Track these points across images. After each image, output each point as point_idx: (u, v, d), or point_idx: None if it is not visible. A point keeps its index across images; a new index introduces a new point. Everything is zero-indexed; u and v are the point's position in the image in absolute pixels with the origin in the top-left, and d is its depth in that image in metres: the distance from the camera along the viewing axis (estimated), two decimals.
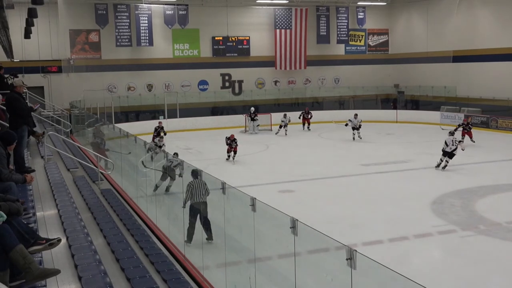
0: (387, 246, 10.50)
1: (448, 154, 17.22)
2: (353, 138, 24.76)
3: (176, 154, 14.76)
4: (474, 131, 22.60)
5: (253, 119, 28.51)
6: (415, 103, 35.31)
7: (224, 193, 7.71)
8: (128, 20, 31.00)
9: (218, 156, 21.10)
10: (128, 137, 12.28)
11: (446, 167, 17.18)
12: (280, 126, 27.65)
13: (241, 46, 34.04)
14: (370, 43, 37.93)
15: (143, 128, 26.42)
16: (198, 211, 9.13)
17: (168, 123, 29.55)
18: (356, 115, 25.08)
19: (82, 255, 5.89)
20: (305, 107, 30.37)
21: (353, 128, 24.89)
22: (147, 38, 31.40)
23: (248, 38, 34.15)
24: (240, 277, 7.37)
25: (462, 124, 23.11)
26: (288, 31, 34.62)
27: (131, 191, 11.28)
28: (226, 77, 34.46)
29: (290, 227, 6.61)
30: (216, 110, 33.54)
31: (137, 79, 32.40)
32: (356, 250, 5.32)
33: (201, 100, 33.13)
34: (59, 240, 5.24)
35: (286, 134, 27.16)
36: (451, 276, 9.17)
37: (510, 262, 9.84)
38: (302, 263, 6.89)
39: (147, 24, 31.25)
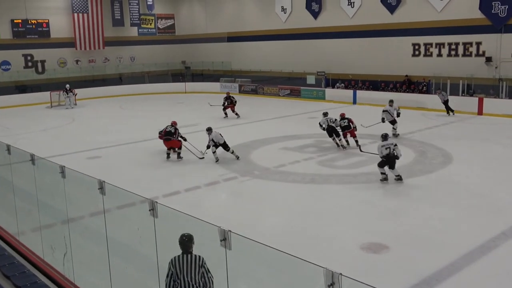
0: (183, 195, 10.64)
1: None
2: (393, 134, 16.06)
3: None
4: (245, 97, 23.67)
5: (68, 95, 26.41)
6: (200, 76, 35.95)
7: (33, 164, 7.11)
8: None
9: (27, 131, 19.25)
10: None
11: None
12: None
13: (41, 29, 30.95)
14: (160, 26, 37.40)
15: None
16: None
17: None
18: (391, 101, 16.56)
19: None
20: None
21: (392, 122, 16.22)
22: None
23: (47, 21, 31.18)
24: (56, 237, 6.92)
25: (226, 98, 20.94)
26: (85, 15, 32.42)
27: None
28: (29, 58, 31.14)
29: (98, 188, 6.38)
30: (20, 88, 30.28)
31: None
32: (157, 202, 5.34)
33: (5, 80, 29.68)
34: None
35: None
36: (235, 212, 9.62)
37: (277, 196, 10.61)
38: (111, 218, 6.71)
39: None
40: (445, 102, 20.87)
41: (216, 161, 13.28)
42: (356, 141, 14.52)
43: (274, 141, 16.11)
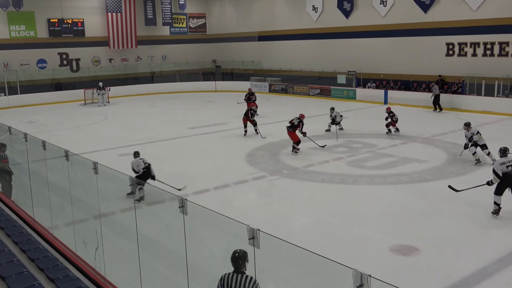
0: (212, 193, 10.71)
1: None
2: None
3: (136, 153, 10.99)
4: (275, 96, 23.64)
5: (101, 92, 26.97)
6: (230, 75, 36.13)
7: (67, 160, 7.28)
8: None
9: (61, 128, 19.72)
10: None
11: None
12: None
13: (76, 28, 31.67)
14: (191, 25, 37.75)
15: None
16: None
17: (9, 100, 26.81)
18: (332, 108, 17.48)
19: None
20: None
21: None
22: None
23: (82, 20, 31.87)
24: (88, 232, 7.07)
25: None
26: (119, 14, 33.00)
27: None
28: (64, 56, 31.89)
29: (130, 185, 6.49)
30: (56, 86, 31.06)
31: None
32: (186, 199, 5.40)
33: (41, 77, 30.49)
34: None
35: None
36: (264, 211, 9.62)
37: (306, 195, 10.59)
38: (142, 214, 6.82)
39: None
40: (435, 97, 20.68)
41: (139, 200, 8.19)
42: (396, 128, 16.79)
43: (304, 140, 16.03)
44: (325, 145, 14.96)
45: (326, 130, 17.54)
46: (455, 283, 6.50)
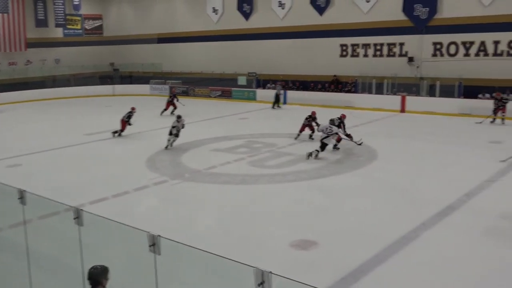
0: (111, 202, 10.37)
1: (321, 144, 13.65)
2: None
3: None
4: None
5: None
6: (128, 78, 35.24)
7: None
8: None
9: None
10: None
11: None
12: None
13: None
14: (87, 26, 36.36)
15: None
16: None
17: None
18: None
19: None
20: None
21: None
22: None
23: None
24: None
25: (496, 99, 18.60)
26: (5, 15, 30.87)
27: None
28: None
29: (18, 198, 6.13)
30: None
31: None
32: (82, 209, 5.22)
33: None
34: None
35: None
36: (166, 216, 9.50)
37: (209, 197, 10.59)
38: (33, 229, 6.46)
39: None
40: (277, 96, 23.35)
41: None
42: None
43: (205, 142, 16.12)
44: (361, 142, 14.86)
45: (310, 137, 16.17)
46: (351, 272, 6.89)
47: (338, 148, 14.49)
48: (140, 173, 12.59)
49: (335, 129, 13.74)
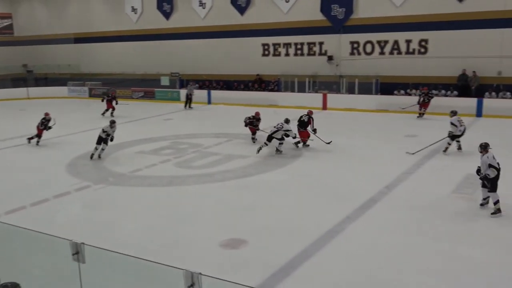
0: (30, 211, 9.81)
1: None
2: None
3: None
4: (96, 101, 22.70)
5: None
6: (44, 80, 33.53)
7: None
8: None
9: None
10: None
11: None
12: None
13: None
14: None
15: None
16: None
17: None
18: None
19: None
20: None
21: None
22: None
23: None
24: None
25: (421, 94, 19.83)
26: None
27: None
28: None
29: None
30: None
31: None
32: None
33: None
34: None
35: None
36: (90, 223, 9.08)
37: (135, 201, 10.33)
38: None
39: None
40: (189, 96, 23.88)
41: None
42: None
43: (129, 145, 15.72)
44: (331, 141, 14.59)
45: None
46: (281, 267, 6.99)
47: (308, 145, 14.72)
48: (60, 179, 12.03)
49: (286, 126, 13.88)
